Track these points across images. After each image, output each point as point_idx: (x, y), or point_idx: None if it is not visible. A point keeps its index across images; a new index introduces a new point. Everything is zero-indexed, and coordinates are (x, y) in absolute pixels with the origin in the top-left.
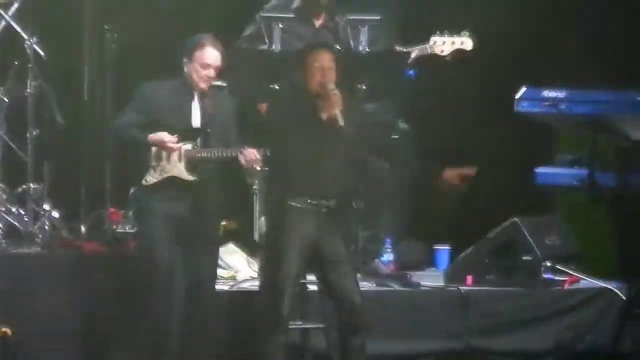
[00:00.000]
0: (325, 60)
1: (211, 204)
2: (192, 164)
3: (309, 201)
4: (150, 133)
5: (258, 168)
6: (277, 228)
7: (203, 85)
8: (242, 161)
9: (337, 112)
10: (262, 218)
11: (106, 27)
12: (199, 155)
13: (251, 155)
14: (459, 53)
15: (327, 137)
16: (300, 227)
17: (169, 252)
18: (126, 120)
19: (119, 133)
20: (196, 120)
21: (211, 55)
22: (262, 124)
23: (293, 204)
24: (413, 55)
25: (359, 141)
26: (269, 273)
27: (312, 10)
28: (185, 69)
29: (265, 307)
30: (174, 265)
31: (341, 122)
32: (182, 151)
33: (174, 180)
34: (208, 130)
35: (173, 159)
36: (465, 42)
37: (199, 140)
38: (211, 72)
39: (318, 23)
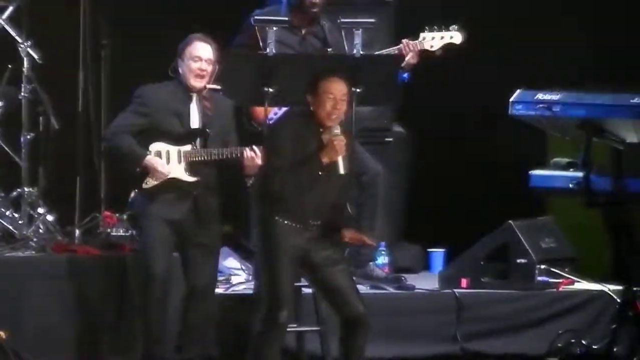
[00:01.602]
0: (339, 93)
1: (211, 207)
2: (192, 165)
3: (300, 221)
4: (148, 136)
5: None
6: (269, 241)
7: (198, 81)
8: (245, 161)
9: (339, 159)
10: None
11: (102, 32)
12: (199, 156)
13: (253, 154)
14: (449, 48)
15: (323, 176)
16: (291, 239)
17: (167, 257)
18: (123, 124)
19: (117, 140)
20: (195, 122)
21: (200, 48)
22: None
23: (281, 220)
24: (407, 58)
25: (352, 181)
26: (265, 281)
27: (299, 17)
28: (180, 70)
29: (264, 313)
30: (170, 270)
31: (341, 171)
32: (182, 152)
33: (174, 183)
34: (207, 130)
35: (173, 160)
36: (455, 36)
37: (198, 141)
38: (203, 65)
39: (304, 30)
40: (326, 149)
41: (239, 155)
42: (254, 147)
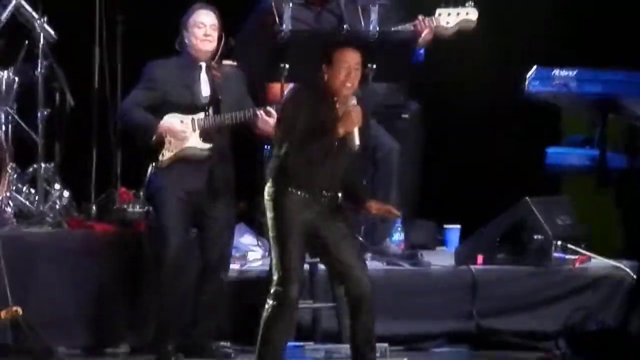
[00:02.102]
0: (352, 61)
1: (226, 179)
2: (206, 133)
3: (312, 193)
4: (160, 111)
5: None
6: (280, 214)
7: (203, 46)
8: (259, 123)
9: (355, 131)
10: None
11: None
12: (213, 122)
13: (268, 115)
14: (465, 24)
15: (337, 147)
16: (300, 210)
17: (182, 232)
18: (135, 101)
19: (130, 115)
20: (205, 91)
21: (202, 14)
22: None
23: (293, 191)
24: (424, 35)
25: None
26: (275, 256)
27: None
28: (186, 41)
29: (274, 289)
30: (185, 246)
31: (357, 142)
32: (196, 120)
33: (189, 155)
34: (219, 97)
35: (187, 129)
36: (471, 13)
37: (210, 109)
38: (208, 30)
39: (320, 6)
40: (342, 120)
41: (252, 116)
42: (268, 107)
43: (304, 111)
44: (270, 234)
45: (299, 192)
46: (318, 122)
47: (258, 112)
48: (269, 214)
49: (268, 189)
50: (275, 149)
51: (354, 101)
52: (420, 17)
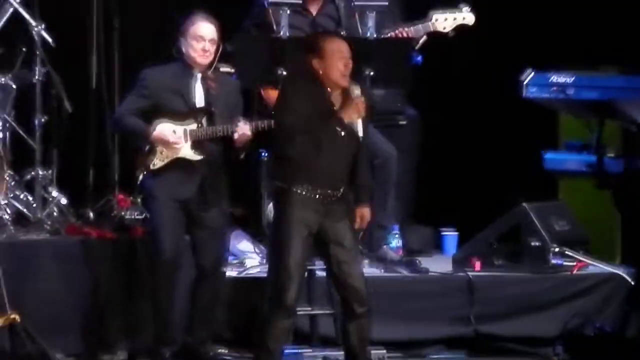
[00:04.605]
0: (346, 50)
1: (218, 187)
2: (198, 143)
3: (316, 190)
4: (153, 118)
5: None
6: (283, 215)
7: (201, 60)
8: (235, 135)
9: (358, 121)
10: (270, 205)
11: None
12: (205, 134)
13: (245, 129)
14: (462, 29)
15: (340, 138)
16: (304, 213)
17: (175, 238)
18: (128, 107)
19: (122, 122)
20: (199, 101)
21: (203, 27)
22: (277, 113)
23: (298, 191)
24: (421, 41)
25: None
26: (274, 259)
27: None
28: (183, 49)
29: (271, 293)
30: (180, 252)
31: (360, 133)
32: (189, 131)
33: (180, 162)
34: (212, 109)
35: (180, 139)
36: (467, 17)
37: (204, 119)
38: (207, 45)
39: (315, 10)
40: (347, 109)
41: (231, 131)
42: (242, 119)
43: (297, 105)
44: (271, 236)
45: (301, 191)
46: (314, 115)
47: (235, 125)
48: (274, 214)
49: (271, 189)
50: (275, 149)
51: (357, 91)
52: (400, 29)
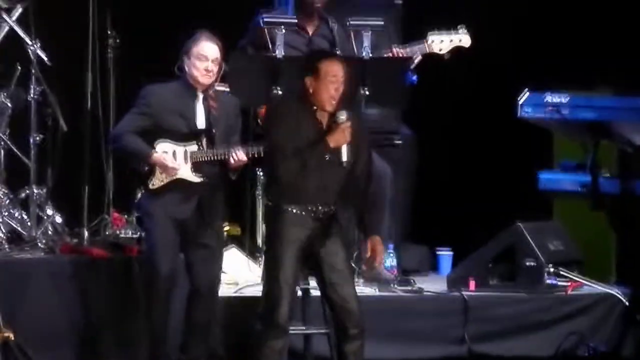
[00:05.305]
0: (340, 74)
1: (215, 207)
2: (197, 165)
3: (306, 208)
4: (153, 136)
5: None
6: (275, 233)
7: (203, 80)
8: (231, 160)
9: (344, 146)
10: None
11: (109, 33)
12: (205, 156)
13: (241, 156)
14: (458, 50)
15: (327, 161)
16: (297, 231)
17: (172, 257)
18: (127, 126)
19: (123, 140)
20: (200, 122)
21: (207, 47)
22: (266, 133)
23: (288, 208)
24: (417, 60)
25: (358, 171)
26: (267, 278)
27: (305, 18)
28: (186, 69)
29: (262, 311)
30: (175, 271)
31: (344, 158)
32: (189, 152)
33: (179, 183)
34: (213, 131)
35: (179, 160)
36: (464, 39)
37: (204, 141)
38: (210, 66)
39: (312, 30)
40: (333, 134)
41: (229, 155)
42: (240, 148)
43: (285, 125)
44: (264, 254)
45: (292, 209)
46: (302, 134)
47: (234, 152)
48: (266, 232)
49: (264, 208)
50: (266, 168)
51: (343, 117)
52: (395, 50)
